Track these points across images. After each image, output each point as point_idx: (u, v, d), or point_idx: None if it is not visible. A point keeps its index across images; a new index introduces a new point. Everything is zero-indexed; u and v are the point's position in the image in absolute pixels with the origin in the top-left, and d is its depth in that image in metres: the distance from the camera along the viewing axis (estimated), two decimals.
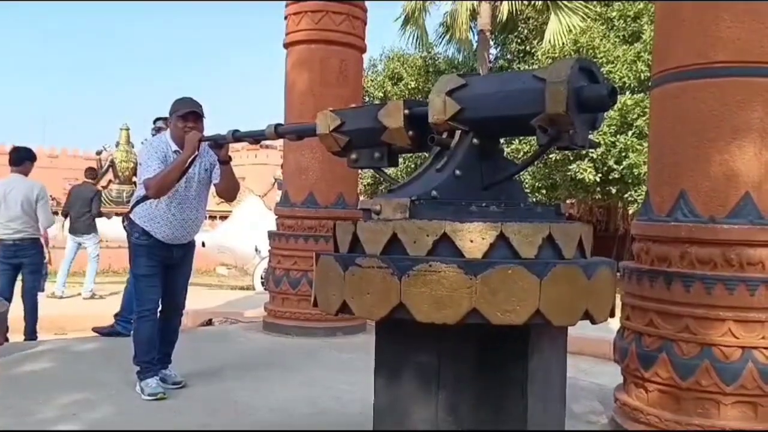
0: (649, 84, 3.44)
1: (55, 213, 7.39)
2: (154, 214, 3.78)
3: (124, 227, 3.97)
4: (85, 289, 9.50)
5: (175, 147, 3.75)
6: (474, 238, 1.82)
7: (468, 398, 2.01)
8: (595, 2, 13.39)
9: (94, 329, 5.70)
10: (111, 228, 12.05)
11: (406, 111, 2.19)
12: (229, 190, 3.95)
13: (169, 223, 3.80)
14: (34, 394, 3.83)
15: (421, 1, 15.32)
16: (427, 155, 2.26)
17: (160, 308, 3.96)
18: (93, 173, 10.00)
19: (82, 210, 9.02)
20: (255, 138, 3.04)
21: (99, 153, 22.25)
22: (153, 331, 3.87)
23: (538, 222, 1.91)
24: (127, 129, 21.41)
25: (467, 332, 1.91)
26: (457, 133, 2.11)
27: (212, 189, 4.03)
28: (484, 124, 2.08)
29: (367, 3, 6.29)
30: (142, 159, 3.82)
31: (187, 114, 3.74)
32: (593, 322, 1.95)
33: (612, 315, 2.05)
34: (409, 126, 2.20)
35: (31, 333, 6.04)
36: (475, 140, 2.09)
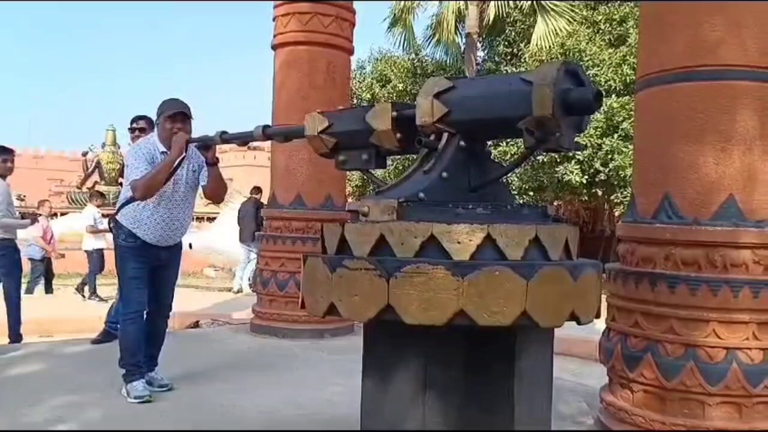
0: (635, 87, 3.47)
1: (34, 215, 7.33)
2: (140, 216, 3.76)
3: (110, 228, 3.95)
4: (242, 285, 11.12)
5: (162, 148, 3.73)
6: (461, 239, 1.83)
7: (456, 399, 2.02)
8: (581, 5, 13.48)
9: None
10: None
11: (394, 113, 2.20)
12: (217, 192, 3.93)
13: (155, 225, 3.77)
14: (19, 398, 3.80)
15: (409, 0, 15.33)
16: (415, 156, 2.27)
17: (147, 310, 3.93)
18: (257, 190, 11.69)
19: (249, 221, 10.91)
20: (243, 140, 3.04)
21: (85, 154, 22.14)
22: (139, 333, 3.83)
23: (524, 224, 1.92)
24: (114, 130, 21.31)
25: (455, 333, 1.92)
26: (445, 135, 2.13)
27: (200, 190, 4.02)
28: (471, 127, 2.09)
29: (354, 4, 6.30)
30: (129, 161, 3.79)
31: (175, 114, 3.72)
32: (579, 323, 1.96)
33: (598, 316, 2.07)
34: (397, 128, 2.21)
35: (14, 336, 5.97)
36: (462, 142, 2.10)
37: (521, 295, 1.79)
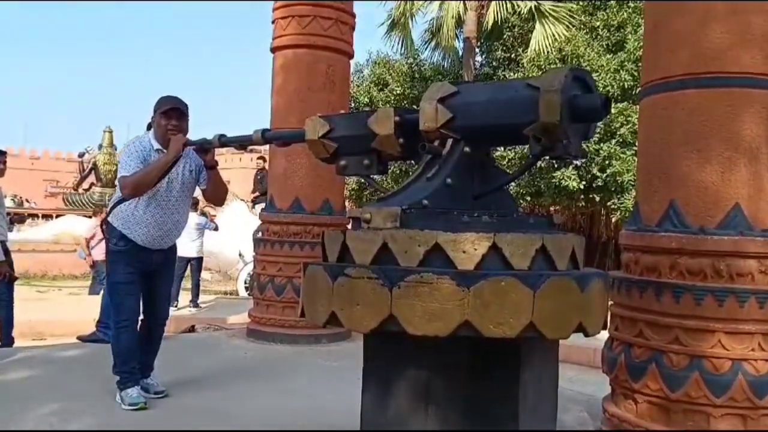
0: (636, 93, 3.44)
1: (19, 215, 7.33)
2: (132, 216, 3.63)
3: (102, 231, 3.87)
4: None
5: (157, 146, 3.63)
6: (466, 248, 1.78)
7: (459, 412, 1.97)
8: (579, 11, 13.46)
9: (79, 337, 5.60)
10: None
11: (397, 118, 2.16)
12: (218, 195, 3.86)
13: (148, 225, 3.65)
14: (10, 404, 3.73)
15: (409, 0, 15.29)
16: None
17: (141, 317, 3.85)
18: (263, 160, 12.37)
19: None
20: (242, 143, 2.98)
21: (82, 155, 22.00)
22: (132, 341, 3.72)
23: (530, 233, 1.87)
24: (111, 131, 21.19)
25: (458, 344, 1.87)
26: (449, 141, 2.08)
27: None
28: (475, 133, 2.05)
29: (353, 8, 6.25)
30: (122, 158, 3.70)
31: (170, 111, 3.62)
32: (586, 335, 1.92)
33: (604, 327, 2.02)
34: (400, 133, 2.17)
35: (6, 339, 5.90)
36: (466, 149, 2.06)
37: (528, 306, 1.74)
